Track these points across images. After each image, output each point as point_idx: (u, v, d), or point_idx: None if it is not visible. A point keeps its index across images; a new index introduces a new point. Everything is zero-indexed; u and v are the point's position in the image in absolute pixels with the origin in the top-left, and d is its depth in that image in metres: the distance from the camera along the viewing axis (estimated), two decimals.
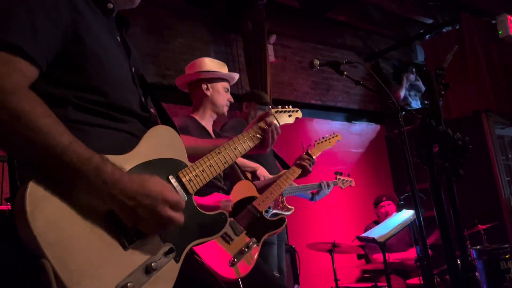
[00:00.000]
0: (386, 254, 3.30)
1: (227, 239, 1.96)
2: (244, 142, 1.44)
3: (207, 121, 2.37)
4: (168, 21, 4.60)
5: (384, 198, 4.60)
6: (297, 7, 4.89)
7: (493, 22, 5.51)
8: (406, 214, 3.48)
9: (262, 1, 4.61)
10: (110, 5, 1.20)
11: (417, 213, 2.00)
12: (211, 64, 2.42)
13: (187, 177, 1.18)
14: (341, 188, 3.22)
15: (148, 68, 4.28)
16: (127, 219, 0.98)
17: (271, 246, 2.75)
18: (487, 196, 5.24)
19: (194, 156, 1.27)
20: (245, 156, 1.94)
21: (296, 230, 4.44)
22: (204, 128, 2.34)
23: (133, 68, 1.23)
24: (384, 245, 3.30)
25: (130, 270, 0.97)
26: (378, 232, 3.42)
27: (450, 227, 1.21)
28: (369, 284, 4.09)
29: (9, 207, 2.38)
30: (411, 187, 1.99)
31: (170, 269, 1.07)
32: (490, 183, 5.29)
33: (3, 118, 0.87)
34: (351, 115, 6.04)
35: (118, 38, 1.23)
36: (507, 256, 3.87)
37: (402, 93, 6.11)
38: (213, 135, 2.41)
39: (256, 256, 2.03)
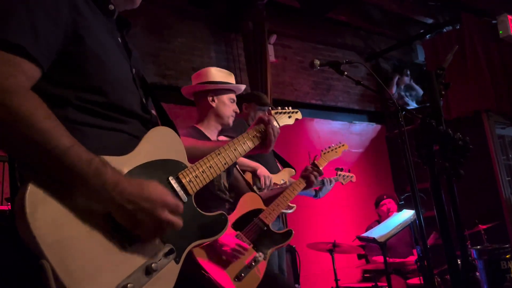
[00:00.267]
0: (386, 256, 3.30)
1: (234, 253, 1.93)
2: (244, 143, 1.44)
3: (211, 132, 2.33)
4: (168, 20, 4.60)
5: (384, 196, 4.61)
6: (298, 7, 4.89)
7: (494, 22, 5.51)
8: (407, 214, 3.47)
9: (262, 1, 4.61)
10: (111, 6, 1.20)
11: (417, 213, 2.00)
12: (217, 74, 2.38)
13: (187, 178, 1.18)
14: (342, 183, 3.21)
15: (148, 68, 4.28)
16: (126, 223, 0.97)
17: None
18: (487, 196, 5.23)
19: (193, 158, 1.27)
20: (245, 155, 1.94)
21: (297, 230, 4.43)
22: (208, 139, 2.31)
23: (133, 69, 1.23)
24: (384, 245, 3.29)
25: (130, 271, 0.97)
26: (379, 232, 3.41)
27: (451, 227, 1.20)
28: (370, 284, 4.09)
29: (10, 207, 2.39)
30: (411, 187, 1.99)
31: (171, 270, 1.07)
32: (491, 183, 5.29)
33: (5, 119, 0.87)
34: (352, 115, 6.05)
35: (119, 39, 1.23)
36: (507, 256, 3.87)
37: (394, 89, 6.15)
38: None
39: (263, 271, 2.01)
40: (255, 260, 1.99)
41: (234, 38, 5.02)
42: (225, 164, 1.32)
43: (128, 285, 0.94)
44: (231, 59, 4.92)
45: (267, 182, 2.71)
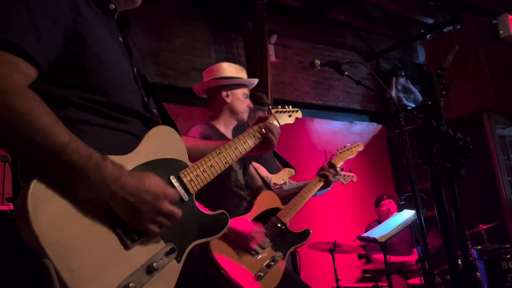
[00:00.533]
0: (387, 255, 3.30)
1: (252, 252, 1.91)
2: (244, 142, 1.44)
3: (227, 129, 2.31)
4: (169, 20, 4.60)
5: (385, 196, 4.60)
6: (298, 7, 4.89)
7: (494, 22, 5.51)
8: (407, 214, 3.47)
9: (262, 0, 4.61)
10: (112, 6, 1.20)
11: (418, 213, 1.99)
12: (230, 69, 2.36)
13: (188, 177, 1.18)
14: (343, 183, 3.21)
15: (149, 67, 4.28)
16: (128, 216, 0.98)
17: None
18: (488, 196, 5.23)
19: (194, 157, 1.27)
20: (246, 156, 1.93)
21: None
22: (225, 138, 2.28)
23: (135, 69, 1.23)
24: (385, 245, 3.29)
25: (131, 270, 0.97)
26: (379, 232, 3.41)
27: (451, 227, 1.20)
28: (370, 284, 4.09)
29: (11, 207, 2.39)
30: (412, 187, 1.99)
31: (172, 269, 1.07)
32: (491, 183, 5.28)
33: (3, 118, 0.87)
34: (352, 115, 6.05)
35: (120, 38, 1.23)
36: (508, 256, 3.87)
37: (393, 92, 6.16)
38: None
39: (282, 271, 1.99)
40: (274, 259, 1.97)
41: (234, 38, 5.02)
42: (225, 163, 1.33)
43: (130, 284, 0.95)
44: (231, 59, 4.92)
45: None
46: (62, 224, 0.90)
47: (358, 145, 2.69)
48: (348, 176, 3.19)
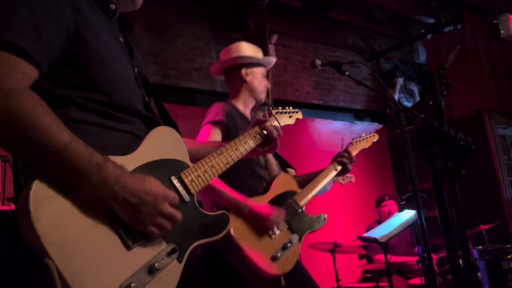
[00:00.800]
0: (388, 256, 3.29)
1: (270, 233, 1.93)
2: (245, 143, 1.43)
3: (245, 108, 2.30)
4: (170, 20, 4.60)
5: (386, 197, 4.59)
6: (299, 7, 4.88)
7: (495, 21, 5.50)
8: (408, 214, 3.47)
9: (263, 0, 4.61)
10: (113, 6, 1.20)
11: (419, 213, 1.99)
12: (249, 48, 2.34)
13: (189, 178, 1.18)
14: (342, 184, 3.22)
15: (150, 67, 4.28)
16: (129, 217, 0.98)
17: None
18: (489, 196, 5.23)
19: (195, 159, 1.27)
20: (250, 156, 1.92)
21: None
22: (245, 117, 2.28)
23: (136, 69, 1.23)
24: (386, 245, 3.29)
25: (133, 270, 0.97)
26: (380, 232, 3.41)
27: (452, 227, 1.20)
28: (371, 284, 4.08)
29: (12, 207, 2.39)
30: (413, 187, 1.98)
31: (173, 270, 1.07)
32: (492, 183, 5.28)
33: (4, 118, 0.88)
34: (353, 115, 6.04)
35: (121, 39, 1.24)
36: (509, 256, 3.86)
37: (396, 96, 6.18)
38: None
39: (298, 253, 2.01)
40: (290, 241, 1.98)
41: (235, 38, 5.01)
42: (226, 163, 1.32)
43: (132, 284, 0.95)
44: None
45: None
46: (64, 224, 0.90)
47: (374, 135, 2.70)
48: (347, 177, 3.20)
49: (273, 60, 2.40)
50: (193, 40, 4.72)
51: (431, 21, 6.03)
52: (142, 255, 1.01)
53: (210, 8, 4.83)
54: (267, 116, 1.83)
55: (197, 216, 1.18)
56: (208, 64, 4.77)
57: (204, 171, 1.24)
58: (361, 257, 4.55)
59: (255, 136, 1.48)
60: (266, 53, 4.69)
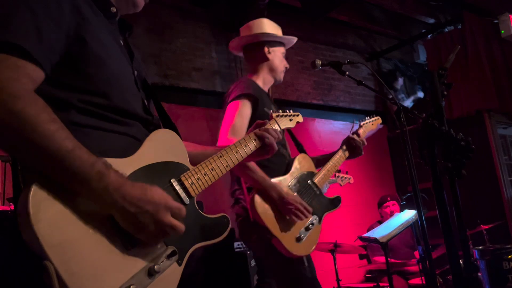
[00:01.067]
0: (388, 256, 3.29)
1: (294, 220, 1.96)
2: (245, 146, 1.43)
3: (264, 86, 2.29)
4: (170, 20, 4.60)
5: (388, 198, 4.59)
6: (299, 7, 4.88)
7: (495, 21, 5.50)
8: (408, 214, 3.47)
9: (264, 1, 4.61)
10: (113, 9, 1.20)
11: (419, 213, 1.99)
12: (271, 26, 2.31)
13: (189, 181, 1.18)
14: (340, 185, 3.22)
15: (150, 68, 4.28)
16: (128, 226, 0.97)
17: None
18: (489, 196, 5.23)
19: (195, 162, 1.26)
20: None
21: None
22: (267, 94, 2.27)
23: (135, 71, 1.23)
24: (386, 246, 3.29)
25: (132, 273, 0.97)
26: (380, 232, 3.41)
27: (453, 227, 1.20)
28: (371, 284, 4.09)
29: (11, 207, 2.39)
30: (413, 187, 1.98)
31: (173, 272, 1.07)
32: (493, 183, 5.28)
33: (9, 122, 0.87)
34: (353, 115, 6.04)
35: (121, 41, 1.24)
36: (510, 257, 3.86)
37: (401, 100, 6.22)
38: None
39: (319, 234, 2.06)
40: (312, 222, 2.02)
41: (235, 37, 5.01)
42: (226, 166, 1.32)
43: (131, 286, 0.95)
44: (232, 59, 4.92)
45: None
46: (64, 227, 0.90)
47: (378, 118, 2.73)
48: (345, 178, 3.21)
49: (294, 39, 2.38)
50: (193, 40, 4.72)
51: (431, 21, 6.03)
52: (142, 257, 1.00)
53: (210, 8, 4.83)
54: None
55: (197, 219, 1.18)
56: (208, 64, 4.77)
57: (204, 174, 1.23)
58: (361, 257, 4.55)
59: (255, 139, 1.47)
60: None
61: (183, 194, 1.15)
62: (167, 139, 1.21)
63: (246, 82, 2.16)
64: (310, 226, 2.00)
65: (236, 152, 1.38)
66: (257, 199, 1.89)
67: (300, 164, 2.14)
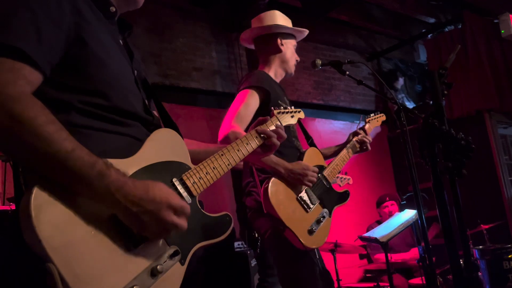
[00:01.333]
0: (388, 254, 3.29)
1: (305, 207, 1.99)
2: (247, 144, 1.42)
3: (276, 79, 2.29)
4: (170, 20, 4.60)
5: (387, 198, 4.58)
6: (299, 7, 4.88)
7: (496, 21, 5.50)
8: (409, 214, 3.47)
9: (264, 0, 4.61)
10: (113, 9, 1.19)
11: (419, 213, 1.99)
12: (283, 19, 2.31)
13: (191, 180, 1.18)
14: (340, 186, 3.22)
15: (150, 68, 4.28)
16: (131, 224, 0.97)
17: None
18: (489, 195, 5.23)
19: (197, 160, 1.26)
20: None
21: None
22: (279, 86, 2.27)
23: (135, 71, 1.22)
24: (386, 245, 3.29)
25: (135, 273, 0.97)
26: (380, 232, 3.41)
27: (453, 227, 1.20)
28: (372, 284, 4.08)
29: (12, 207, 2.39)
30: (413, 186, 1.98)
31: (176, 272, 1.07)
32: (493, 182, 5.28)
33: (7, 125, 0.87)
34: (353, 115, 6.04)
35: (121, 41, 1.23)
36: (510, 256, 3.86)
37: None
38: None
39: (329, 227, 2.09)
40: (323, 215, 2.05)
41: (235, 37, 5.01)
42: (228, 165, 1.31)
43: (134, 287, 0.95)
44: (232, 59, 4.92)
45: None
46: (66, 228, 0.89)
47: (382, 115, 2.75)
48: (345, 178, 3.22)
49: (305, 31, 2.38)
50: (193, 40, 4.72)
51: (432, 20, 6.03)
52: (145, 258, 1.00)
53: (210, 8, 4.83)
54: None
55: (199, 218, 1.18)
56: (208, 64, 4.77)
57: (206, 173, 1.23)
58: (361, 257, 4.55)
59: (257, 137, 1.46)
60: None
61: (185, 194, 1.15)
62: (168, 138, 1.20)
63: (258, 74, 2.17)
64: (321, 219, 2.03)
65: (238, 150, 1.37)
66: (270, 190, 1.91)
67: (310, 158, 2.17)
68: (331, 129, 5.68)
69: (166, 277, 1.03)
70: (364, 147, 2.42)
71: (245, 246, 3.53)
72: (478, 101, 5.40)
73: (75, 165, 0.90)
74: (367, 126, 2.56)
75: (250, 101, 2.05)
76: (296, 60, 2.36)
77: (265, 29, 2.27)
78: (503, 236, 4.67)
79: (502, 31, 5.32)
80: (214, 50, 4.85)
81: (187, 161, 1.21)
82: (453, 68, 5.25)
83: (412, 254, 4.20)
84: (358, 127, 2.51)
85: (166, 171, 1.13)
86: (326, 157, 2.34)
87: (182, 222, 1.02)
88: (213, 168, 1.26)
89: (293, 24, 2.45)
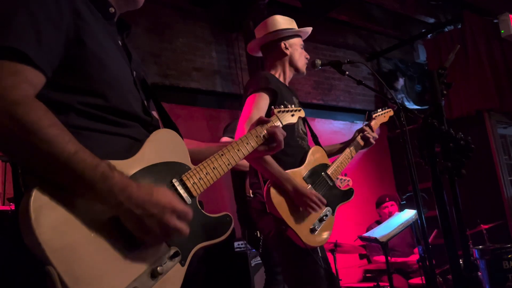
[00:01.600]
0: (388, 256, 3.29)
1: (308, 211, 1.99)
2: (247, 144, 1.41)
3: (286, 79, 2.32)
4: (170, 20, 4.60)
5: (387, 198, 4.58)
6: (299, 7, 4.89)
7: (495, 21, 5.50)
8: (408, 214, 3.47)
9: (263, 0, 4.61)
10: (112, 9, 1.19)
11: (419, 213, 1.99)
12: (283, 21, 2.34)
13: (191, 181, 1.17)
14: (340, 187, 3.23)
15: (150, 68, 4.28)
16: (133, 228, 0.97)
17: None
18: (489, 195, 5.23)
19: (197, 160, 1.26)
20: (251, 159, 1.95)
21: None
22: (287, 87, 2.29)
23: (134, 72, 1.22)
24: (386, 245, 3.29)
25: (136, 275, 0.97)
26: (380, 232, 3.41)
27: (453, 227, 1.20)
28: (371, 284, 4.08)
29: (12, 207, 2.39)
30: (413, 186, 1.98)
31: (176, 273, 1.07)
32: (493, 182, 5.28)
33: (11, 129, 0.87)
34: (353, 115, 6.04)
35: (120, 42, 1.23)
36: (509, 256, 3.86)
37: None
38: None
39: (332, 225, 2.09)
40: (326, 214, 2.06)
41: (235, 37, 5.01)
42: (228, 165, 1.31)
43: None
44: (232, 59, 4.92)
45: None
46: (66, 231, 0.89)
47: (390, 110, 2.75)
48: (345, 180, 3.22)
49: (308, 29, 2.40)
50: (193, 40, 4.72)
51: (431, 20, 6.03)
52: (145, 259, 1.00)
53: (210, 8, 4.83)
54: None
55: (200, 219, 1.17)
56: (208, 64, 4.77)
57: (206, 173, 1.22)
58: (361, 257, 4.55)
59: (257, 137, 1.46)
60: None
61: (185, 194, 1.14)
62: (168, 139, 1.20)
63: (264, 75, 2.19)
64: (324, 217, 2.04)
65: (238, 150, 1.36)
66: (272, 191, 1.92)
67: (314, 156, 2.17)
68: (331, 129, 5.68)
69: (166, 278, 1.03)
70: (369, 143, 2.45)
71: (246, 246, 3.53)
72: (478, 101, 5.40)
73: (78, 167, 0.90)
74: (373, 122, 2.57)
75: (260, 103, 2.07)
76: (306, 58, 2.37)
77: (267, 37, 2.31)
78: (503, 236, 4.67)
79: (502, 31, 5.32)
80: (214, 50, 4.85)
81: (187, 161, 1.21)
82: (453, 68, 5.26)
83: (413, 258, 4.19)
84: (364, 124, 2.52)
85: (166, 171, 1.13)
86: (331, 154, 2.35)
87: (185, 227, 1.02)
88: (213, 168, 1.26)
89: None
